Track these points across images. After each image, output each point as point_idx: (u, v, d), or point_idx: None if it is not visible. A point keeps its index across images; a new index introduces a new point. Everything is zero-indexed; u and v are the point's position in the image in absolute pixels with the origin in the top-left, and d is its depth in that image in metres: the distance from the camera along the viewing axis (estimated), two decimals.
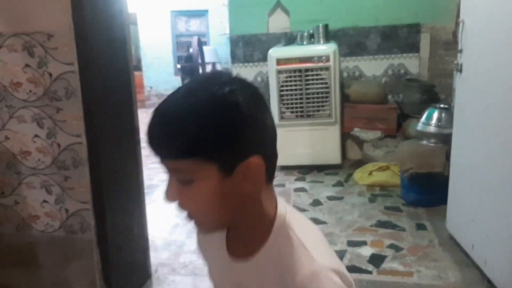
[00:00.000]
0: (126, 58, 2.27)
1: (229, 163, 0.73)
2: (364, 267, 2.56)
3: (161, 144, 0.73)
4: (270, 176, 0.79)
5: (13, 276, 2.20)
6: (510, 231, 2.07)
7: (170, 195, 0.75)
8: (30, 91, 1.99)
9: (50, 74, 1.95)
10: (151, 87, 9.83)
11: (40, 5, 1.92)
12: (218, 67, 8.98)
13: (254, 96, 0.76)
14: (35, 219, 2.11)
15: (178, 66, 9.19)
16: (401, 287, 2.36)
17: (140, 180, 2.44)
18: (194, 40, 7.81)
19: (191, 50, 8.01)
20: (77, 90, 1.96)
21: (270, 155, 0.78)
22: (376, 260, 2.63)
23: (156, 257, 2.73)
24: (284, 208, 0.82)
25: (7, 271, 2.20)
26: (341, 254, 2.69)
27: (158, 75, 9.67)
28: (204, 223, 0.80)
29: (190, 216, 0.78)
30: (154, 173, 4.30)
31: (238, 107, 0.72)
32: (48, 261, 2.16)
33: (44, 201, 2.09)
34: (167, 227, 3.23)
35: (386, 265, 2.58)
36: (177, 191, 0.75)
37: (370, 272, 2.51)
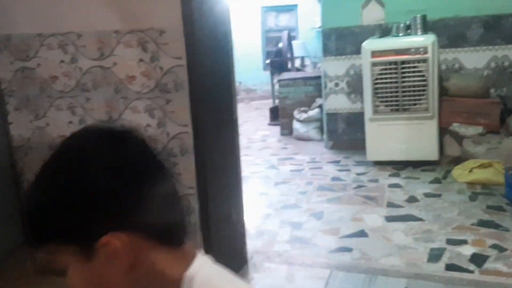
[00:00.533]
0: (229, 53, 2.37)
1: (86, 245, 0.62)
2: (465, 266, 2.46)
3: (31, 230, 0.66)
4: (168, 239, 0.68)
5: None
6: None
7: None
8: (143, 84, 2.15)
9: (161, 68, 2.10)
10: (240, 82, 10.05)
11: (152, 4, 2.07)
12: (307, 61, 8.98)
13: (122, 160, 0.64)
14: None
15: (267, 61, 9.32)
16: None
17: (239, 169, 2.54)
18: (284, 34, 7.87)
19: (280, 44, 8.07)
20: (184, 83, 2.08)
21: (154, 223, 0.66)
22: (478, 259, 2.52)
23: (251, 244, 2.82)
24: (196, 269, 0.69)
25: None
26: (439, 252, 2.60)
27: (247, 70, 9.88)
28: None
29: None
30: (245, 165, 4.43)
31: (85, 181, 0.61)
32: None
33: None
34: (259, 217, 3.32)
35: (489, 265, 2.46)
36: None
37: (472, 272, 2.41)
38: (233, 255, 2.51)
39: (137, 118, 2.20)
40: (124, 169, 0.63)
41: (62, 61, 2.27)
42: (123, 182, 0.62)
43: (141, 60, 2.12)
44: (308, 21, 9.18)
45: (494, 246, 2.65)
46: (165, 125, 2.16)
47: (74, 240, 0.62)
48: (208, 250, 2.21)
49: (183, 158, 2.17)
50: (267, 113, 7.32)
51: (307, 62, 9.02)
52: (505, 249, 2.61)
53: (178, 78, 2.08)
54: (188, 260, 0.69)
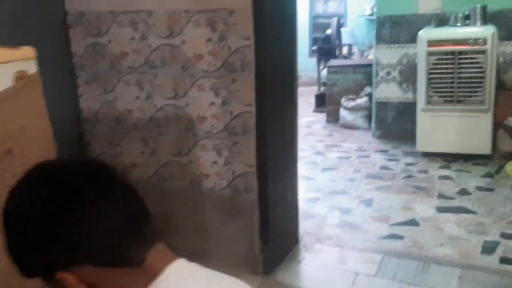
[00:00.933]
0: (293, 35, 2.40)
1: (48, 278, 0.68)
2: None
3: None
4: (124, 262, 0.69)
5: (181, 225, 2.50)
6: None
7: None
8: (210, 62, 2.21)
9: (229, 48, 2.15)
10: None
11: None
12: (355, 49, 8.87)
13: (58, 188, 0.66)
14: (206, 177, 2.37)
15: (314, 47, 9.26)
16: None
17: (295, 151, 2.59)
18: (334, 21, 7.79)
19: (329, 31, 8.00)
20: (251, 63, 2.13)
21: (104, 253, 0.67)
22: None
23: (301, 226, 2.87)
24: (160, 281, 0.70)
25: (179, 220, 2.51)
26: (493, 245, 2.58)
27: None
28: None
29: None
30: None
31: (24, 226, 0.66)
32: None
33: (215, 162, 2.32)
34: (308, 200, 3.36)
35: None
36: None
37: None
38: (285, 235, 2.57)
39: (202, 95, 2.27)
40: (55, 209, 0.64)
41: (132, 38, 2.36)
42: (56, 221, 0.64)
43: (209, 39, 2.18)
44: (357, 8, 9.05)
45: None
46: (229, 103, 2.22)
47: (36, 275, 0.68)
48: (264, 227, 2.29)
49: (244, 137, 2.23)
50: (311, 100, 7.31)
51: (355, 50, 8.91)
52: None
53: (245, 58, 2.13)
54: (152, 274, 0.70)
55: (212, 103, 2.26)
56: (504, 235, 2.69)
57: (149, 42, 2.33)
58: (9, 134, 1.01)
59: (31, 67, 1.16)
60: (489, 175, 3.71)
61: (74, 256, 0.65)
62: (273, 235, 2.36)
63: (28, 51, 1.19)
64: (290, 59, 2.42)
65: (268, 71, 2.18)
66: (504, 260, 2.43)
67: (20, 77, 1.06)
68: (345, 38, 8.47)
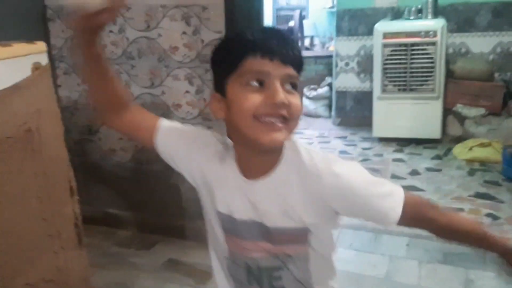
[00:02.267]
0: (260, 26, 2.61)
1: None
2: None
3: (295, 53, 0.85)
4: None
5: (159, 205, 2.70)
6: None
7: (284, 96, 0.83)
8: (185, 54, 2.40)
9: (202, 40, 2.35)
10: None
11: None
12: (316, 41, 9.15)
13: None
14: None
15: None
16: None
17: None
18: (296, 13, 8.05)
19: (291, 23, 8.25)
20: None
21: None
22: None
23: None
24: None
25: (158, 201, 2.70)
26: None
27: None
28: (293, 126, 0.87)
29: (286, 119, 0.85)
30: None
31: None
32: None
33: None
34: None
35: None
36: (283, 91, 0.84)
37: None
38: None
39: (177, 85, 2.46)
40: None
41: (111, 31, 2.51)
42: None
43: (184, 32, 2.37)
44: (319, 1, 9.33)
45: (488, 215, 2.95)
46: (203, 92, 2.42)
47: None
48: None
49: (217, 123, 2.44)
50: None
51: (316, 41, 9.20)
52: (499, 218, 2.91)
53: None
54: None
55: (187, 92, 2.45)
56: (448, 209, 3.02)
57: (127, 34, 2.50)
58: (29, 115, 1.18)
59: (44, 59, 1.34)
60: (438, 157, 4.07)
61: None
62: None
63: (41, 46, 1.36)
64: None
65: None
66: None
67: (36, 67, 1.24)
68: (307, 30, 8.74)
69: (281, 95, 0.82)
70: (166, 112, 2.52)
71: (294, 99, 0.85)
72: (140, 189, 2.71)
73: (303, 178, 0.90)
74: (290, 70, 0.84)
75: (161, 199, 2.68)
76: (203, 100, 2.43)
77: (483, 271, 2.32)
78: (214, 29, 2.32)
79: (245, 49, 0.83)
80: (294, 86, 0.86)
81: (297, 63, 0.86)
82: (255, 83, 0.83)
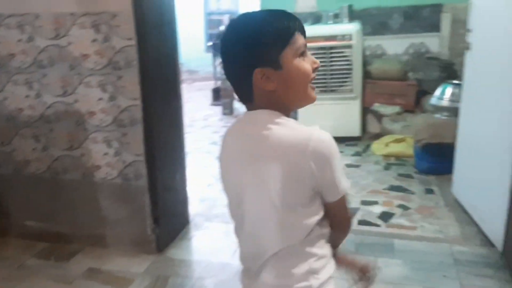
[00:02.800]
0: (173, 34, 2.65)
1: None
2: (374, 222, 2.93)
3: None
4: None
5: (77, 215, 2.67)
6: (505, 195, 2.37)
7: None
8: (96, 61, 2.40)
9: (113, 47, 2.36)
10: (182, 63, 10.23)
11: None
12: None
13: None
14: (98, 168, 2.55)
15: (209, 43, 9.56)
16: (404, 238, 2.72)
17: (182, 140, 2.85)
18: (226, 18, 8.14)
19: (222, 27, 8.34)
20: (134, 61, 2.36)
21: None
22: (385, 216, 3.00)
23: (193, 209, 3.15)
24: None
25: (74, 210, 2.67)
26: (354, 211, 3.06)
27: (189, 52, 10.06)
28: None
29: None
30: (188, 142, 4.72)
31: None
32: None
33: (105, 153, 2.52)
34: (202, 186, 3.65)
35: (394, 220, 2.94)
36: None
37: (379, 226, 2.88)
38: (176, 216, 2.84)
39: (90, 92, 2.45)
40: None
41: (19, 40, 2.46)
42: None
43: (94, 40, 2.37)
44: (249, 5, 9.49)
45: (400, 206, 3.15)
46: (116, 98, 2.42)
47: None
48: (154, 209, 2.53)
49: (132, 128, 2.46)
50: (209, 94, 7.60)
51: None
52: (409, 208, 3.11)
53: (129, 56, 2.35)
54: None
55: (100, 99, 2.45)
56: (364, 202, 3.20)
57: (37, 43, 2.46)
58: None
59: None
60: (358, 153, 4.28)
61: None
62: (163, 217, 2.61)
63: None
64: (172, 55, 2.67)
65: (152, 67, 2.42)
66: (361, 222, 2.92)
67: None
68: None
69: (316, 61, 1.04)
70: (80, 120, 2.50)
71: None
72: (57, 199, 2.67)
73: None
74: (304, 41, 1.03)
75: (79, 209, 2.65)
76: (117, 107, 2.43)
77: (390, 259, 2.49)
78: (125, 36, 2.34)
79: (292, 28, 0.98)
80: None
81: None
82: (301, 55, 1.00)
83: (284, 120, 1.00)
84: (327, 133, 0.99)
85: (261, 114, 1.02)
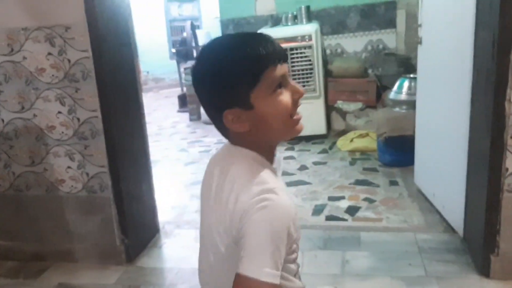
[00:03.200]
0: (131, 43, 2.65)
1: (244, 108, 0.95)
2: (341, 216, 2.99)
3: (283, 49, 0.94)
4: None
5: (44, 231, 2.63)
6: (463, 182, 2.47)
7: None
8: (53, 75, 2.38)
9: (69, 60, 2.35)
10: (147, 72, 10.18)
11: (58, 1, 2.30)
12: None
13: None
14: (62, 182, 2.53)
15: (173, 50, 9.53)
16: (371, 230, 2.79)
17: (147, 149, 2.85)
18: (188, 24, 8.14)
19: (185, 34, 8.33)
20: (91, 72, 2.35)
21: None
22: (352, 210, 3.07)
23: (163, 216, 3.14)
24: None
25: (39, 227, 2.63)
26: (322, 207, 3.12)
27: (154, 60, 10.03)
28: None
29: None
30: (156, 150, 4.72)
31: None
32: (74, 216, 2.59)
33: (69, 167, 2.50)
34: (171, 193, 3.66)
35: (360, 214, 3.01)
36: None
37: (346, 220, 2.94)
38: (145, 226, 2.83)
39: (48, 106, 2.43)
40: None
41: None
42: None
43: (49, 53, 2.35)
44: (211, 11, 9.51)
45: (365, 199, 3.23)
46: (75, 111, 2.41)
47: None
48: (122, 220, 2.52)
49: (94, 141, 2.44)
50: (176, 101, 7.59)
51: None
52: (374, 201, 3.19)
53: (86, 68, 2.34)
54: None
55: (59, 112, 2.43)
56: (330, 198, 3.27)
57: None
58: None
59: None
60: (324, 151, 4.35)
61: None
62: (132, 227, 2.61)
63: None
64: (131, 66, 2.67)
65: (109, 78, 2.41)
66: (328, 218, 2.98)
67: None
68: (202, 40, 8.87)
69: (300, 88, 0.95)
70: (40, 135, 2.47)
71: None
72: (22, 216, 2.63)
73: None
74: (287, 65, 0.95)
75: (45, 224, 2.62)
76: (77, 120, 2.42)
77: (358, 251, 2.55)
78: (80, 48, 2.33)
79: (263, 62, 0.88)
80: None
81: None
82: (278, 88, 0.91)
83: (254, 168, 0.92)
84: (286, 204, 0.87)
85: (236, 153, 0.96)
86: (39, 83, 2.41)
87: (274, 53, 0.90)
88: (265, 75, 0.89)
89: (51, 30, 2.33)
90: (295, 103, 0.94)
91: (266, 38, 0.91)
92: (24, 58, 2.39)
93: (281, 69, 0.91)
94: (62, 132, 2.45)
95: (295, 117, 0.95)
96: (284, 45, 4.39)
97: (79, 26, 2.30)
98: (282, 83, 0.92)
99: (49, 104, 2.43)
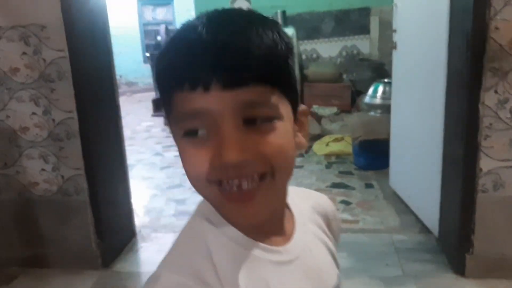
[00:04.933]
0: (107, 44, 2.62)
1: (295, 106, 0.57)
2: None
3: (241, 55, 0.49)
4: None
5: (15, 236, 2.55)
6: (437, 183, 2.52)
7: (237, 152, 0.49)
8: (27, 75, 2.32)
9: (44, 60, 2.29)
10: (120, 76, 10.03)
11: (33, 0, 2.25)
12: None
13: None
14: (35, 185, 2.46)
15: (147, 54, 9.44)
16: (348, 231, 2.81)
17: (123, 152, 2.81)
18: (162, 28, 8.08)
19: (159, 38, 8.27)
20: (67, 73, 2.30)
21: None
22: None
23: (140, 220, 3.10)
24: None
25: (10, 232, 2.55)
26: None
27: (127, 64, 9.90)
28: (282, 177, 0.55)
29: (248, 191, 0.52)
30: (131, 154, 4.64)
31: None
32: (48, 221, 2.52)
33: (43, 169, 2.43)
34: (147, 197, 3.61)
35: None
36: (245, 141, 0.50)
37: None
38: (121, 230, 2.78)
39: (22, 107, 2.36)
40: None
41: None
42: None
43: (24, 53, 2.29)
44: (185, 15, 9.48)
45: (342, 202, 3.26)
46: (50, 112, 2.35)
47: (293, 95, 0.56)
48: (98, 224, 2.48)
49: (69, 142, 2.39)
50: (150, 105, 7.51)
51: None
52: (351, 203, 3.23)
53: (61, 68, 2.29)
54: None
55: (33, 113, 2.37)
56: None
57: None
58: None
59: None
60: (301, 155, 4.37)
61: None
62: (108, 231, 2.55)
63: None
64: (107, 66, 2.63)
65: (86, 79, 2.37)
66: None
67: None
68: None
69: (231, 151, 0.49)
70: (12, 136, 2.40)
71: (270, 138, 0.52)
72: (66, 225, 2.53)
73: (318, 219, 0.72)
74: (250, 93, 0.49)
75: (17, 229, 2.54)
76: (52, 121, 2.36)
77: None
78: (56, 48, 2.28)
79: (169, 80, 0.53)
80: (268, 117, 0.52)
81: (269, 69, 0.51)
82: (194, 132, 0.52)
83: (194, 234, 0.61)
84: None
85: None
86: (12, 83, 2.34)
87: (187, 69, 0.50)
88: (173, 102, 0.52)
89: (25, 29, 2.27)
90: (220, 171, 0.51)
91: (214, 35, 0.50)
92: None
93: (201, 100, 0.50)
94: (37, 134, 2.39)
95: (223, 185, 0.53)
96: None
97: (55, 25, 2.25)
98: (200, 126, 0.52)
99: (23, 104, 2.36)
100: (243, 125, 0.50)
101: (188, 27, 0.53)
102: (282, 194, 0.60)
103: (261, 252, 0.58)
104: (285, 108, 0.54)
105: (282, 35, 0.53)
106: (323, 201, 0.77)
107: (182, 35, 0.53)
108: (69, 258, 2.54)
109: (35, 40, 2.28)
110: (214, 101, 0.49)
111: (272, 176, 0.53)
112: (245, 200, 0.53)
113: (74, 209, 2.47)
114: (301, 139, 0.59)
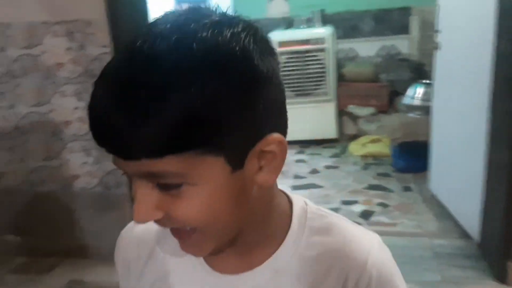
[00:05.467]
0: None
1: (241, 149, 0.51)
2: (355, 220, 2.94)
3: (133, 133, 0.46)
4: None
5: (56, 227, 2.62)
6: (479, 188, 2.44)
7: (145, 213, 0.50)
8: (71, 70, 2.38)
9: (89, 55, 2.34)
10: None
11: None
12: None
13: (264, 40, 0.53)
14: (77, 178, 2.52)
15: None
16: (385, 234, 2.73)
17: None
18: None
19: None
20: None
21: (285, 128, 0.57)
22: (366, 214, 3.04)
23: None
24: (297, 196, 0.65)
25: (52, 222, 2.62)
26: (335, 211, 3.07)
27: None
28: (209, 237, 0.54)
29: (183, 232, 0.54)
30: None
31: (250, 60, 0.49)
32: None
33: (84, 162, 2.49)
34: None
35: (374, 218, 2.99)
36: (156, 202, 0.50)
37: (360, 224, 2.91)
38: None
39: (65, 101, 2.42)
40: (271, 47, 0.56)
41: None
42: (274, 64, 0.55)
43: (69, 48, 2.35)
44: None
45: (379, 204, 3.20)
46: None
47: (231, 144, 0.49)
48: None
49: None
50: None
51: None
52: (388, 206, 3.17)
53: (105, 64, 2.33)
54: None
55: (76, 108, 2.42)
56: (344, 202, 3.24)
57: (8, 53, 2.42)
58: None
59: None
60: (336, 155, 4.33)
61: (283, 116, 0.59)
62: None
63: None
64: None
65: None
66: None
67: None
68: None
69: (137, 212, 0.50)
70: (56, 130, 2.47)
71: (181, 203, 0.50)
72: (34, 212, 2.62)
73: (328, 265, 0.61)
74: (147, 165, 0.47)
75: (58, 220, 2.61)
76: None
77: None
78: (100, 44, 2.32)
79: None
80: (177, 184, 0.49)
81: (158, 148, 0.46)
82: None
83: None
84: None
85: None
86: (57, 77, 2.40)
87: (101, 137, 0.50)
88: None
89: (71, 24, 2.32)
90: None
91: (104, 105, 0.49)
92: (43, 52, 2.39)
93: (120, 161, 0.50)
94: (79, 128, 2.44)
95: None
96: (298, 48, 4.41)
97: (99, 22, 2.30)
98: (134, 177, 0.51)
99: (66, 99, 2.42)
100: (157, 187, 0.50)
101: (110, 71, 0.52)
102: (229, 234, 0.56)
103: (201, 271, 0.63)
104: (209, 168, 0.49)
105: (233, 75, 0.47)
106: (370, 268, 0.60)
107: (103, 82, 0.51)
108: (107, 249, 2.56)
109: (80, 36, 2.33)
110: (126, 165, 0.49)
111: (201, 230, 0.53)
112: (182, 237, 0.55)
113: (113, 202, 2.52)
114: (265, 176, 0.54)
